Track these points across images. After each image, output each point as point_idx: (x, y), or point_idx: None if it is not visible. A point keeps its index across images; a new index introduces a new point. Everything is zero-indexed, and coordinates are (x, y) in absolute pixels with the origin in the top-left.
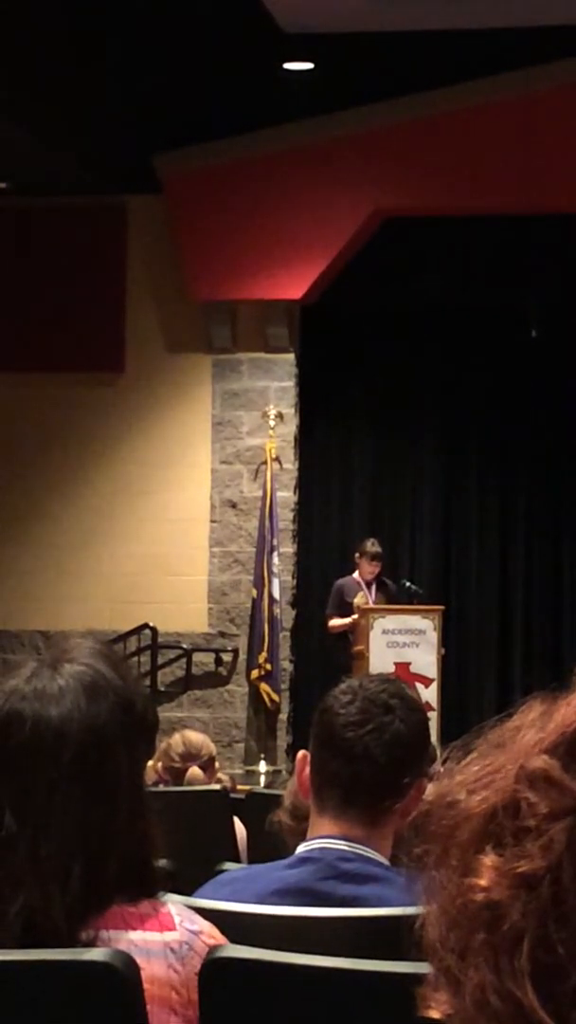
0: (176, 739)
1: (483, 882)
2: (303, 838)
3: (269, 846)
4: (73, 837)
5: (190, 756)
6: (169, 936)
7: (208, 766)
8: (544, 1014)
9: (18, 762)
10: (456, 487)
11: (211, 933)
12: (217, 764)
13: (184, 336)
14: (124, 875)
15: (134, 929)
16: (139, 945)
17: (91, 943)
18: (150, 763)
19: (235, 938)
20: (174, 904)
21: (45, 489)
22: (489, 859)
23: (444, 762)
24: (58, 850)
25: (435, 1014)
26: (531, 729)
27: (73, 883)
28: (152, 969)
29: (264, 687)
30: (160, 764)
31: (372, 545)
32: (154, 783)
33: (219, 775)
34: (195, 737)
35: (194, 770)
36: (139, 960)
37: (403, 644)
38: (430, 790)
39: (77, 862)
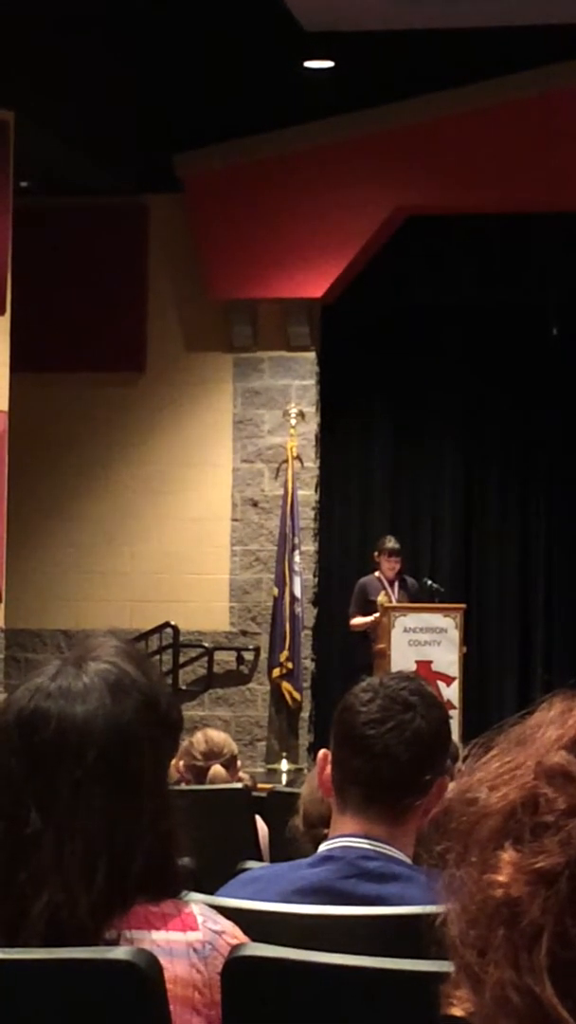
0: (198, 737)
1: (502, 878)
2: (314, 846)
3: (291, 845)
4: (98, 835)
5: (212, 755)
6: (192, 936)
7: (230, 765)
8: (563, 1010)
9: (43, 760)
10: (477, 485)
11: (234, 933)
12: (239, 763)
13: (205, 335)
14: (147, 874)
15: (157, 929)
16: (162, 945)
17: (114, 942)
18: (172, 761)
19: (257, 937)
20: (197, 904)
21: (67, 488)
22: (508, 855)
23: (465, 759)
24: (83, 848)
25: (457, 1011)
26: (551, 726)
27: (98, 881)
28: (175, 969)
29: (286, 686)
30: (182, 763)
31: (390, 542)
32: (176, 782)
33: (240, 774)
34: (217, 736)
35: (216, 768)
36: (162, 960)
37: (425, 642)
38: (451, 787)
39: (102, 860)
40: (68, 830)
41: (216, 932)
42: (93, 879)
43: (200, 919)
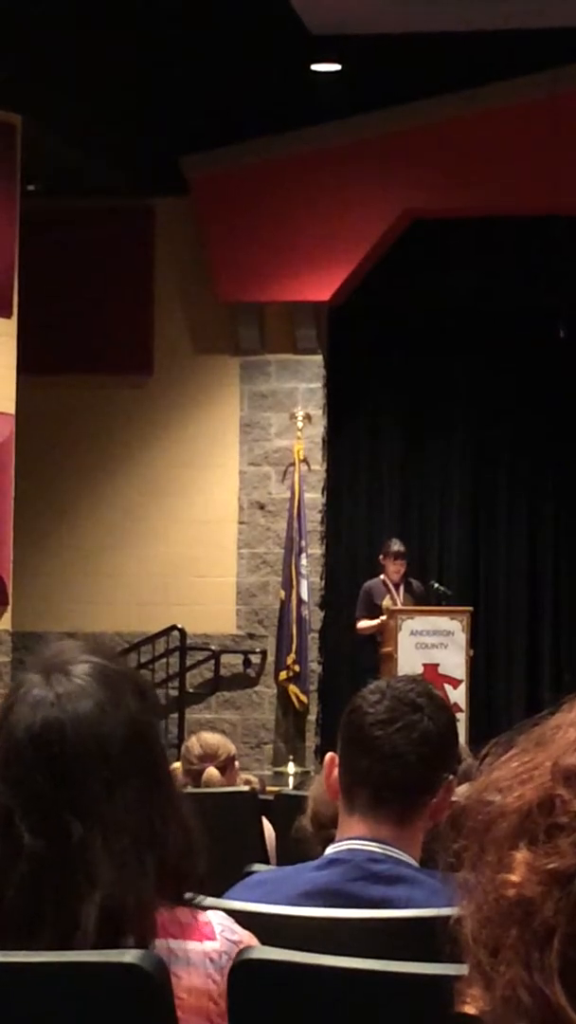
0: (192, 741)
1: (515, 878)
2: (323, 847)
3: (298, 849)
4: (141, 828)
5: (207, 757)
6: (209, 946)
7: (226, 767)
8: (572, 1012)
9: (70, 769)
10: (484, 488)
11: (251, 943)
12: (237, 764)
13: (212, 338)
14: (177, 865)
15: (175, 938)
16: (179, 955)
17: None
18: (177, 764)
19: (265, 939)
20: (216, 913)
21: (73, 491)
22: (522, 855)
23: (485, 758)
24: (131, 843)
25: (470, 1010)
26: (571, 727)
27: (148, 874)
28: (191, 979)
29: (292, 688)
30: (181, 766)
31: (395, 544)
32: (182, 785)
33: (247, 776)
34: (211, 738)
35: (210, 771)
36: (178, 969)
37: (431, 645)
38: (465, 788)
39: (149, 853)
40: (113, 829)
41: (233, 942)
42: (145, 872)
43: (218, 929)
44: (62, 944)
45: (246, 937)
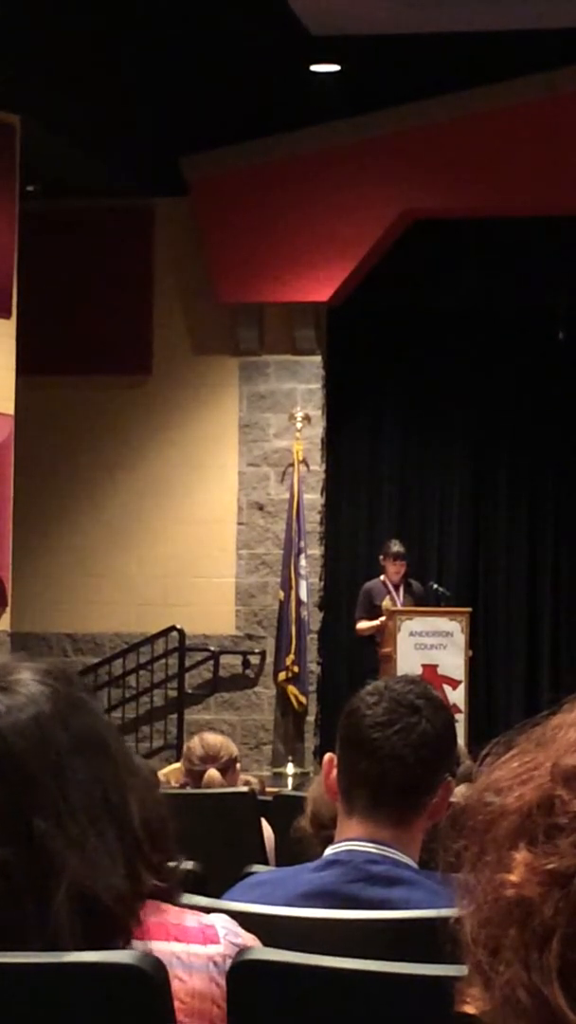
0: (195, 741)
1: (515, 878)
2: (323, 847)
3: (297, 849)
4: (95, 801)
5: (208, 758)
6: (212, 949)
7: (228, 768)
8: (571, 1014)
9: (20, 771)
10: (484, 489)
11: (254, 947)
12: (239, 766)
13: (211, 338)
14: (150, 846)
15: (178, 941)
16: (182, 958)
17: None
18: (176, 765)
19: (263, 940)
20: (220, 916)
21: (72, 492)
22: (522, 855)
23: (486, 757)
24: (87, 817)
25: (470, 1010)
26: (572, 728)
27: (112, 847)
28: (193, 983)
29: (291, 689)
30: (183, 767)
31: (395, 545)
32: (181, 785)
33: (247, 777)
34: (214, 739)
35: (211, 772)
36: (181, 973)
37: (431, 646)
38: (464, 788)
39: (109, 825)
40: (68, 813)
41: (237, 945)
42: (108, 846)
43: (222, 932)
44: (46, 945)
45: (250, 940)
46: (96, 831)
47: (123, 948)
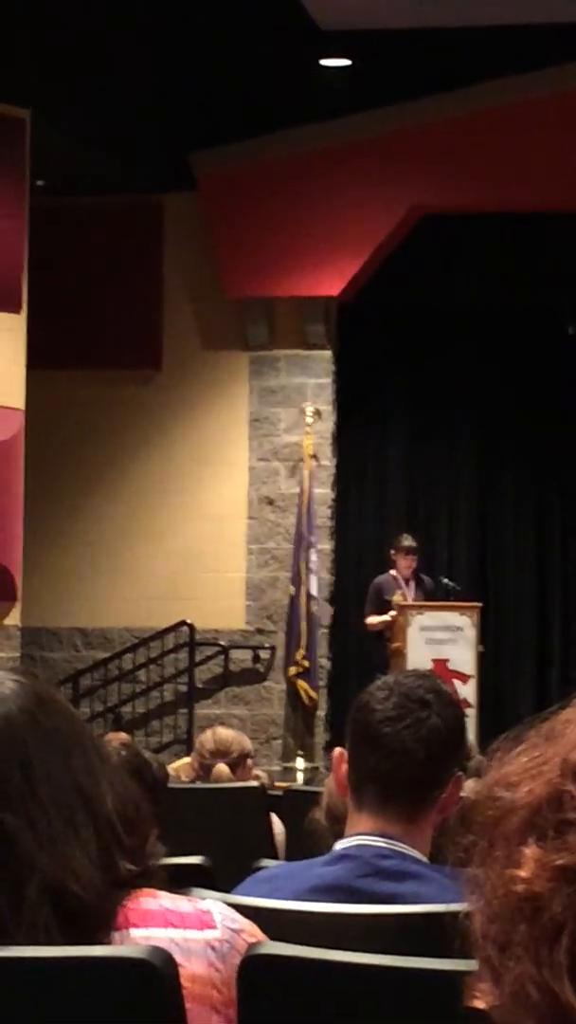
0: (207, 736)
1: (524, 873)
2: (336, 841)
3: (307, 843)
4: (66, 790)
5: (219, 753)
6: (210, 934)
7: (239, 763)
8: None
9: None
10: (493, 484)
11: (252, 931)
12: (251, 762)
13: (221, 333)
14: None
15: (175, 927)
16: (180, 944)
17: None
18: (186, 760)
19: (273, 935)
20: (216, 902)
21: (82, 487)
22: (531, 851)
23: (495, 752)
24: (58, 811)
25: (480, 1004)
26: None
27: (83, 834)
28: (192, 968)
29: (302, 684)
30: (196, 761)
31: (406, 540)
32: (192, 779)
33: (257, 772)
34: (226, 734)
35: (220, 767)
36: (179, 959)
37: (441, 641)
38: (473, 783)
39: (80, 811)
40: (37, 806)
41: (235, 931)
42: (78, 833)
43: (219, 917)
44: (21, 939)
45: (247, 926)
46: (68, 824)
47: (103, 939)
